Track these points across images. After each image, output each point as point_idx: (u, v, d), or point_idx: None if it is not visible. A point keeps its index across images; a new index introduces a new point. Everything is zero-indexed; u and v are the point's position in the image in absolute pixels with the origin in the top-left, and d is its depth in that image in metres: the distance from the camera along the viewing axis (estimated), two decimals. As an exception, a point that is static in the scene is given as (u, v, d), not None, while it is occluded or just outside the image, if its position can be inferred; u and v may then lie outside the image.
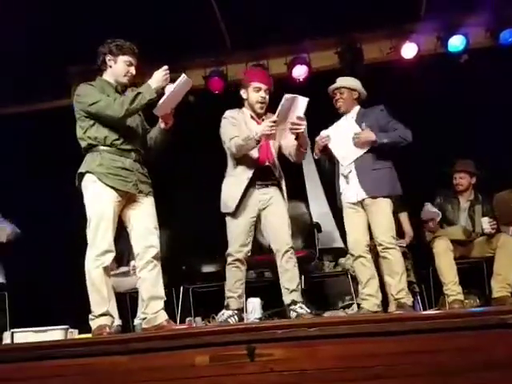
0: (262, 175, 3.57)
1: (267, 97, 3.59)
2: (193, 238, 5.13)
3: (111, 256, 3.05)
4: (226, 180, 3.65)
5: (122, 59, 3.17)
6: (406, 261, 4.35)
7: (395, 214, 4.02)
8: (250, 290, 3.80)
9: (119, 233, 3.16)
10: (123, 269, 4.41)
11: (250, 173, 3.53)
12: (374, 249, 3.75)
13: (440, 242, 4.12)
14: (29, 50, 4.81)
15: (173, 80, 3.14)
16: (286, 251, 3.49)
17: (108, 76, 3.22)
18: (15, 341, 3.22)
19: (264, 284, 4.46)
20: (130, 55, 3.19)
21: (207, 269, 4.96)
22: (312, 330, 2.35)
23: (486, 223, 4.14)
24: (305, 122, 3.37)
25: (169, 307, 3.46)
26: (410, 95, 4.91)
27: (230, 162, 3.63)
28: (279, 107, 3.30)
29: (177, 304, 4.57)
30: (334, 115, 3.86)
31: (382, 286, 3.74)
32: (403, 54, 5.25)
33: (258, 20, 4.93)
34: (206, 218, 5.01)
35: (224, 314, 3.57)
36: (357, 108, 3.83)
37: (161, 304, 3.09)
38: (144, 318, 3.11)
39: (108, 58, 3.18)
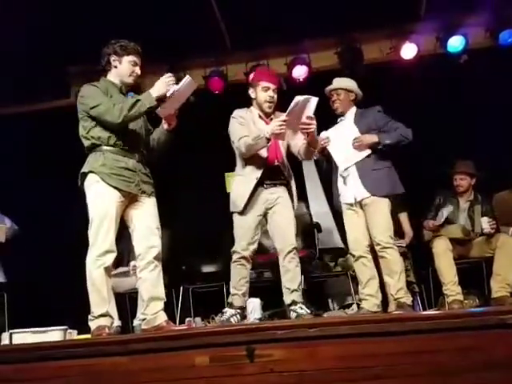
0: (271, 175, 3.57)
1: (275, 96, 3.60)
2: (193, 238, 5.13)
3: (112, 256, 3.04)
4: (235, 179, 3.65)
5: (127, 59, 3.17)
6: (406, 261, 4.36)
7: (395, 214, 4.02)
8: (250, 290, 3.79)
9: (120, 233, 3.15)
10: (123, 269, 4.39)
11: (258, 172, 3.53)
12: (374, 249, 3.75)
13: (439, 242, 4.11)
14: (29, 50, 4.81)
15: (176, 81, 3.13)
16: (290, 251, 3.49)
17: (112, 76, 3.22)
18: (14, 341, 3.22)
19: (264, 284, 4.46)
20: (135, 55, 3.18)
21: (207, 269, 4.97)
22: (312, 331, 2.35)
23: (485, 223, 4.14)
24: (315, 122, 3.38)
25: (168, 307, 3.46)
26: (410, 95, 4.90)
27: (239, 162, 3.63)
28: (290, 107, 3.31)
29: (177, 304, 4.57)
30: (333, 115, 3.86)
31: (382, 286, 3.74)
32: (403, 54, 5.25)
33: (258, 20, 4.92)
34: (206, 219, 5.02)
35: (226, 312, 3.56)
36: (353, 109, 3.83)
37: (160, 305, 3.08)
38: (143, 319, 3.11)
39: (113, 58, 3.18)
